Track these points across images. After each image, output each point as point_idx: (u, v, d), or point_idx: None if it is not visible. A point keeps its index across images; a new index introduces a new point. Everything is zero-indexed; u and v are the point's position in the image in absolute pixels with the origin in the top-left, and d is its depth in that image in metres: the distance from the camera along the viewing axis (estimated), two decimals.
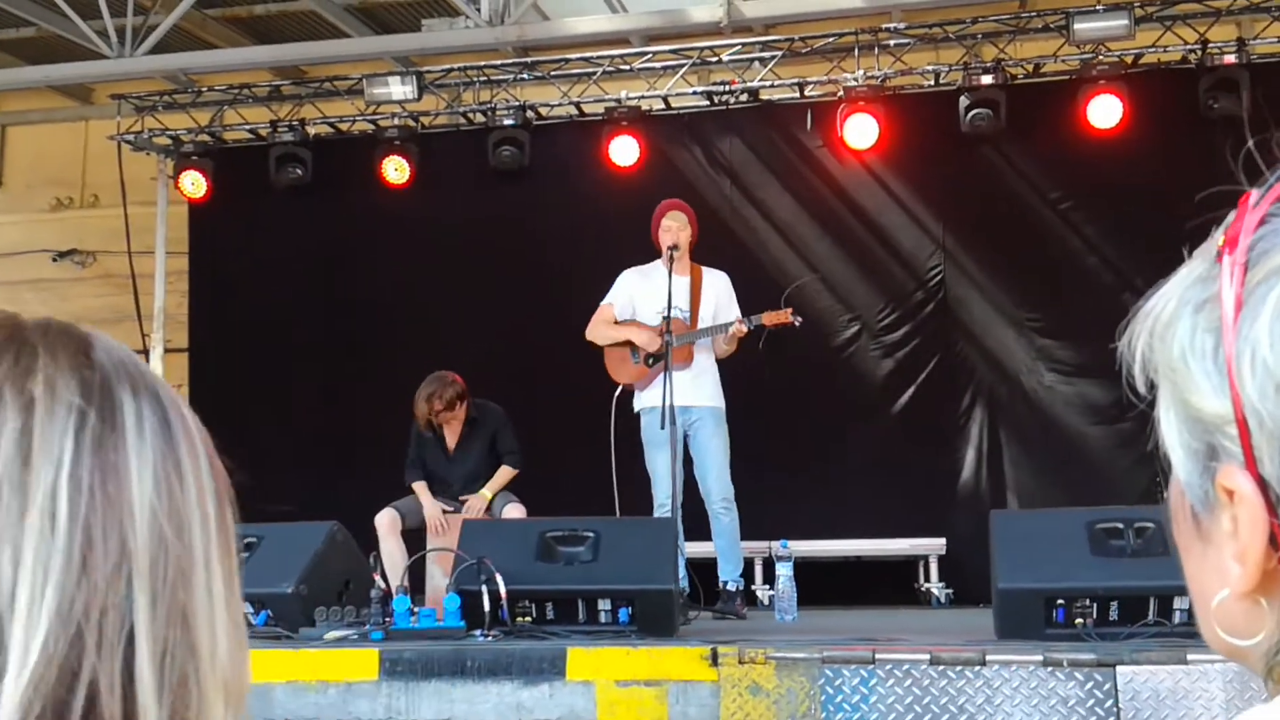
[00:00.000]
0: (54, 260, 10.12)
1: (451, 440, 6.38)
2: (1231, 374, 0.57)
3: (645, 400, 5.97)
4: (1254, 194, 0.60)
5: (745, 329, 5.80)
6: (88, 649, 0.57)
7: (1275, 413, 0.55)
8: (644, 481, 5.99)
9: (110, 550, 0.59)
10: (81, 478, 0.59)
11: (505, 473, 6.29)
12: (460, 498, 6.28)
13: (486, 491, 6.20)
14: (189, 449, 0.64)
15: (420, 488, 6.27)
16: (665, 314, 5.81)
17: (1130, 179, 7.41)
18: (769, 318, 5.85)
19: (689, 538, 5.96)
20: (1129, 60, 7.69)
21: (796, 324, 5.86)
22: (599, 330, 6.16)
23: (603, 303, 6.18)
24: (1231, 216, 0.60)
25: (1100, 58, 7.62)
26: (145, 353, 8.93)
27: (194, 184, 8.73)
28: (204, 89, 8.94)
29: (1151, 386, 0.63)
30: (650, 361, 5.98)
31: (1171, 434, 0.62)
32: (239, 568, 0.66)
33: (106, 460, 0.60)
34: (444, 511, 6.19)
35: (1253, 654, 0.60)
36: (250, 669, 0.67)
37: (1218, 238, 0.60)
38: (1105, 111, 7.52)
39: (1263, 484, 0.57)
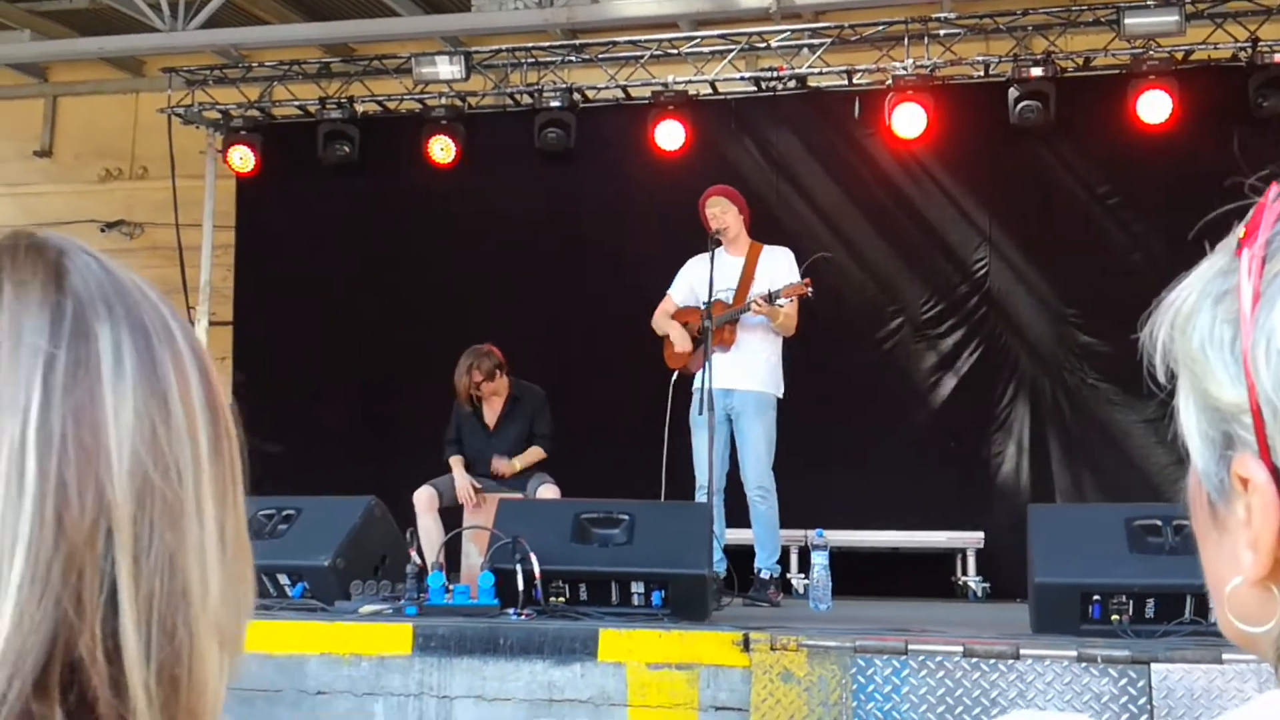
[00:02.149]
0: (102, 231, 10.25)
1: (491, 418, 6.43)
2: (1247, 364, 0.58)
3: (696, 382, 6.00)
4: (1275, 188, 0.61)
5: (764, 305, 5.78)
6: (66, 615, 0.53)
7: None
8: (691, 465, 6.00)
9: (87, 505, 0.54)
10: (52, 427, 0.54)
11: (535, 452, 6.34)
12: (492, 468, 6.32)
13: (517, 462, 6.26)
14: (178, 375, 0.59)
15: (456, 462, 6.34)
16: (707, 299, 5.82)
17: (1178, 176, 7.31)
18: (786, 290, 5.84)
19: (730, 524, 5.97)
20: (1179, 56, 7.58)
21: (810, 294, 5.84)
22: (656, 320, 6.28)
23: (666, 293, 6.27)
24: (1253, 210, 0.61)
25: (1150, 53, 7.52)
26: (191, 325, 9.04)
27: (242, 159, 8.81)
28: (254, 64, 9.02)
29: (1171, 376, 0.64)
30: (697, 344, 6.01)
31: (1190, 423, 0.63)
32: (239, 502, 0.61)
33: (80, 404, 0.55)
34: (477, 490, 6.25)
35: (1264, 641, 0.61)
36: (249, 603, 0.61)
37: (1238, 231, 0.61)
38: (1155, 107, 7.42)
39: (1276, 472, 0.58)
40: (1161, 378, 0.64)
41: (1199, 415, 0.62)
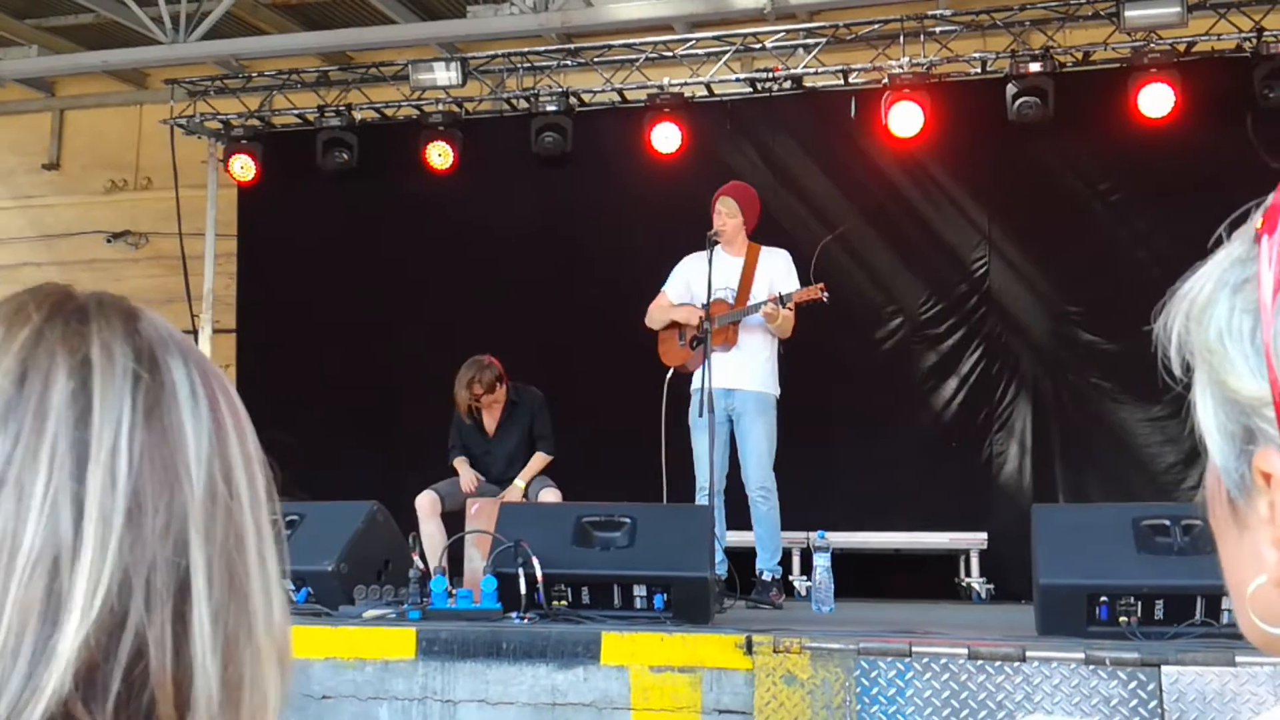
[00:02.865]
0: (108, 241, 10.29)
1: (491, 424, 6.42)
2: (1269, 355, 0.56)
3: (694, 382, 5.97)
4: None
5: (776, 308, 5.76)
6: (135, 603, 0.58)
7: None
8: (692, 466, 5.98)
9: (162, 509, 0.60)
10: (138, 438, 0.60)
11: (539, 459, 6.32)
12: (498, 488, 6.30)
13: (520, 481, 6.23)
14: (234, 420, 0.65)
15: (461, 463, 6.34)
16: (706, 299, 5.80)
17: (1181, 170, 7.29)
18: (799, 294, 5.82)
19: (731, 525, 5.95)
20: (1181, 48, 7.53)
21: (825, 299, 5.81)
22: (652, 315, 6.22)
23: (661, 289, 6.22)
24: (1271, 198, 0.59)
25: (1152, 46, 7.48)
26: (195, 333, 9.06)
27: (243, 168, 8.83)
28: (254, 74, 9.04)
29: (1187, 369, 0.61)
30: (694, 344, 5.98)
31: (1208, 417, 0.61)
32: (279, 544, 0.67)
33: (162, 422, 0.61)
34: (480, 493, 6.23)
35: None
36: (293, 638, 0.68)
37: (1256, 219, 0.59)
38: (1156, 101, 7.38)
39: None
40: (1177, 370, 0.62)
41: (1217, 409, 0.60)
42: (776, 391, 6.00)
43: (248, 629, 0.61)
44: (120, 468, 0.59)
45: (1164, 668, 3.58)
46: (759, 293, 5.94)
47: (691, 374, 5.99)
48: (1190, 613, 3.97)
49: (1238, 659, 3.53)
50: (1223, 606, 3.90)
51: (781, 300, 5.75)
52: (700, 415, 5.66)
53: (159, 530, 0.59)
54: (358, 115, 8.85)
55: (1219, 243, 0.62)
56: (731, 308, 5.95)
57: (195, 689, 0.58)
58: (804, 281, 5.95)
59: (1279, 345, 0.55)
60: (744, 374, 5.90)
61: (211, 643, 0.59)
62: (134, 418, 0.60)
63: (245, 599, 0.62)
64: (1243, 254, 0.59)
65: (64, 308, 0.63)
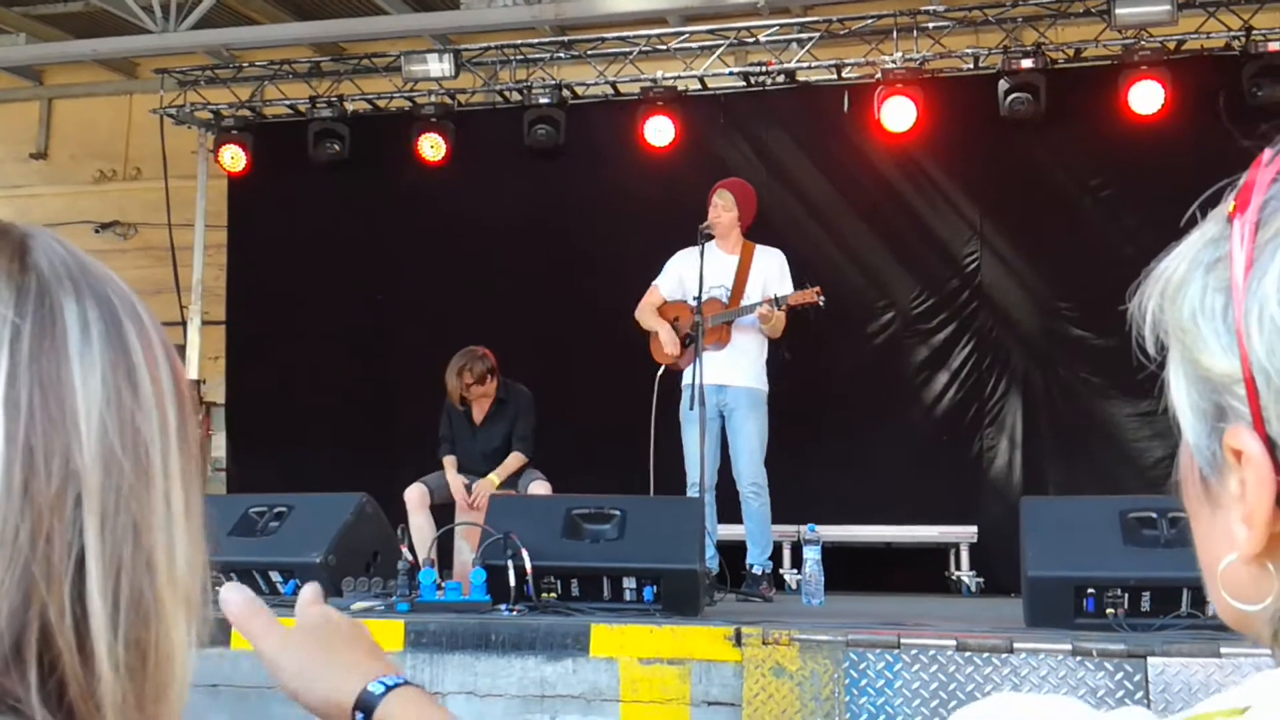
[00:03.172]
0: (96, 232, 10.25)
1: (478, 416, 6.41)
2: (1240, 333, 0.56)
3: (685, 378, 5.97)
4: (1267, 153, 0.59)
5: (771, 309, 5.77)
6: (35, 580, 0.54)
7: None
8: (682, 461, 5.98)
9: (54, 471, 0.55)
10: (19, 396, 0.55)
11: (514, 459, 6.25)
12: (473, 498, 6.22)
13: (494, 477, 6.18)
14: (145, 351, 0.60)
15: (449, 462, 6.31)
16: (697, 295, 5.80)
17: (1172, 167, 7.30)
18: (794, 297, 5.82)
19: (722, 519, 5.96)
20: (1171, 46, 7.57)
21: (821, 303, 5.82)
22: (643, 313, 6.21)
23: (653, 284, 6.20)
24: (1244, 177, 0.59)
25: (1142, 43, 7.51)
26: (183, 325, 9.04)
27: (233, 158, 8.80)
28: (245, 64, 9.01)
29: (1161, 348, 0.62)
30: (687, 341, 5.99)
31: (1180, 395, 0.61)
32: (200, 474, 0.63)
33: (46, 374, 0.56)
34: (468, 486, 6.21)
35: (1259, 619, 0.60)
36: (209, 577, 0.63)
37: (1229, 198, 0.59)
38: (1147, 98, 7.41)
39: (1270, 444, 0.56)
40: (1150, 349, 0.62)
41: (1190, 387, 0.60)
42: (767, 387, 6.01)
43: (151, 583, 0.57)
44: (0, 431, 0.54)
45: (1150, 659, 3.59)
46: (753, 292, 5.94)
47: (682, 371, 5.99)
48: (1176, 604, 3.99)
49: (1223, 650, 3.55)
50: (1208, 598, 3.91)
51: (777, 303, 5.76)
52: (691, 409, 5.66)
53: (53, 496, 0.55)
54: (349, 106, 8.83)
55: (1194, 222, 0.62)
56: (725, 306, 5.95)
57: (97, 649, 0.55)
58: (798, 284, 5.94)
59: (1250, 323, 0.56)
60: (736, 371, 5.90)
61: (108, 607, 0.55)
62: (13, 372, 0.55)
63: (148, 554, 0.57)
64: (1216, 233, 0.60)
65: None
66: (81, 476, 0.55)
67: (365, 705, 0.97)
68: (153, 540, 0.58)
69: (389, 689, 0.97)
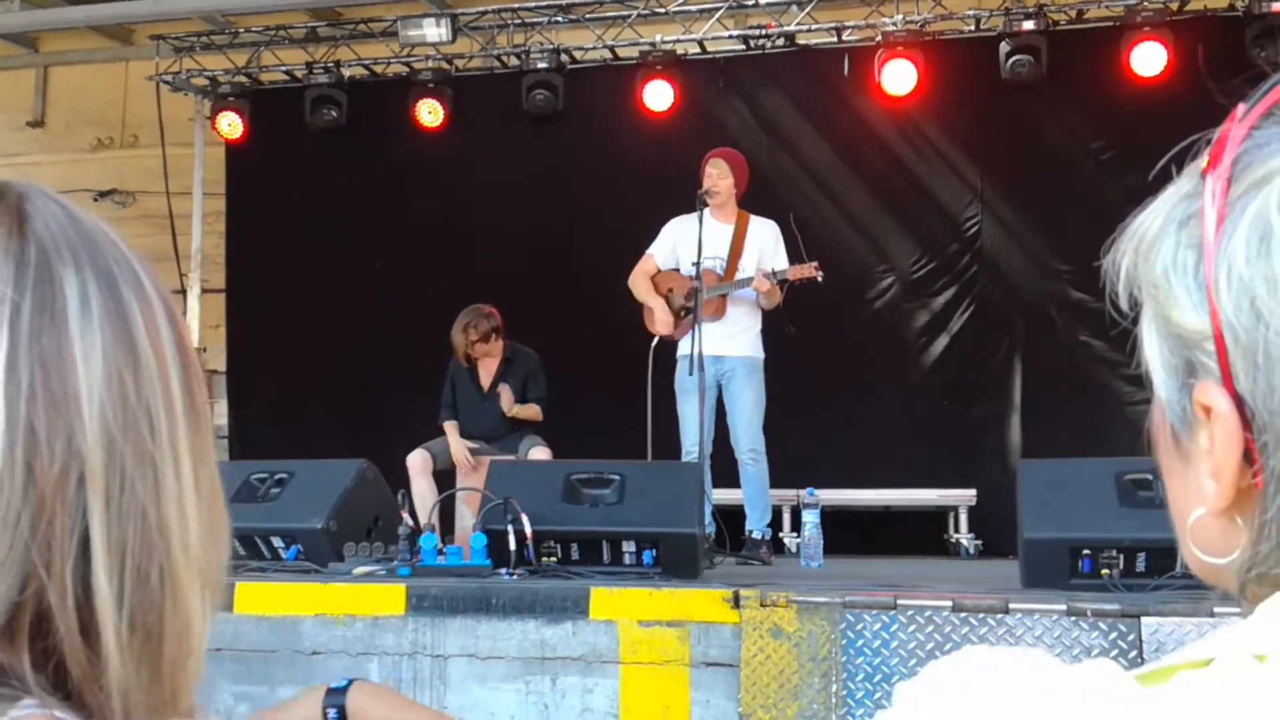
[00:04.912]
0: (95, 200, 10.21)
1: (486, 379, 6.43)
2: (1210, 289, 0.56)
3: (680, 348, 5.98)
4: (1240, 109, 0.59)
5: (768, 283, 5.76)
6: (35, 564, 0.52)
7: (1250, 327, 0.55)
8: (678, 429, 6.00)
9: (57, 452, 0.54)
10: (19, 376, 0.54)
11: (533, 408, 6.34)
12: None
13: (518, 407, 6.29)
14: (146, 321, 0.58)
15: (450, 427, 6.34)
16: (696, 261, 5.78)
17: (1174, 129, 7.21)
18: (793, 272, 5.81)
19: (719, 485, 5.97)
20: (1174, 7, 7.51)
21: (820, 279, 5.81)
22: (636, 282, 6.17)
23: (647, 251, 6.18)
24: (1217, 133, 0.59)
25: (1145, 4, 7.46)
26: (183, 292, 9.04)
27: (230, 125, 8.77)
28: (241, 30, 8.95)
29: (1134, 304, 0.62)
30: (683, 313, 5.98)
31: (1153, 351, 0.62)
32: (211, 444, 0.62)
33: (47, 352, 0.54)
34: (471, 451, 6.25)
35: (1227, 572, 0.61)
36: (227, 548, 0.62)
37: (1204, 155, 0.59)
38: (1149, 59, 7.37)
39: (1238, 400, 0.56)
40: (1124, 305, 0.63)
41: (1161, 343, 0.61)
42: (763, 354, 6.01)
43: (163, 561, 0.56)
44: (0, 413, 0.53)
45: (1144, 619, 3.62)
46: (748, 264, 5.93)
47: (678, 341, 5.99)
48: (1171, 565, 4.00)
49: (1215, 610, 3.57)
50: (1179, 551, 3.94)
51: (776, 279, 5.75)
52: (691, 374, 5.66)
53: (56, 476, 0.53)
54: (346, 72, 8.79)
55: (1169, 177, 0.62)
56: (720, 279, 5.94)
57: (102, 629, 0.54)
58: (795, 258, 5.93)
59: (1220, 280, 0.56)
60: (731, 342, 5.91)
61: (114, 589, 0.54)
62: (13, 352, 0.54)
63: (158, 531, 0.56)
64: (1190, 189, 0.60)
65: None
66: (85, 457, 0.54)
67: (333, 700, 1.05)
68: (162, 515, 0.56)
69: (351, 681, 1.06)
